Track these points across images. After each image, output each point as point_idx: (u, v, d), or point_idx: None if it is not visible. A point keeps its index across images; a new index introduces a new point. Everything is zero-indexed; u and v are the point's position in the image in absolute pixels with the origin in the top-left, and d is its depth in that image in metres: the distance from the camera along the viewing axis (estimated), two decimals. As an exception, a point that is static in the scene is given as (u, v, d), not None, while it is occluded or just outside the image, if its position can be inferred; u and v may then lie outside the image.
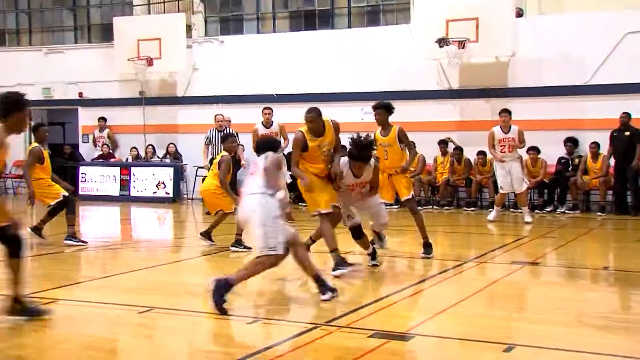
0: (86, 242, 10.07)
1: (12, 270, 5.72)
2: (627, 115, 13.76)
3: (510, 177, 12.62)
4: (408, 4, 16.34)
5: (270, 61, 17.23)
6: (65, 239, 9.91)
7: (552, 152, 14.60)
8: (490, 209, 13.33)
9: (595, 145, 14.19)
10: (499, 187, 13.00)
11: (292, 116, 16.09)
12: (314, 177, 7.56)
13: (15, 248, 5.71)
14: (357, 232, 7.80)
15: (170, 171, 17.23)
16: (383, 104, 8.69)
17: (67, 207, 10.01)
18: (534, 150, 14.36)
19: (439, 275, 7.89)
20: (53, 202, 9.92)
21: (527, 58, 15.14)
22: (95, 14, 20.28)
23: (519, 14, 15.39)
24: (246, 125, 14.81)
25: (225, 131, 14.24)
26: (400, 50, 15.96)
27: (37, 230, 10.14)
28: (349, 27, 17.52)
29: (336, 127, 7.61)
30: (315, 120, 7.51)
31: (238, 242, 9.36)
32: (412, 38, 15.56)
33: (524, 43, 15.10)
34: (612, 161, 14.01)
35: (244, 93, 17.18)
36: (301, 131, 7.57)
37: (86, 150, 19.15)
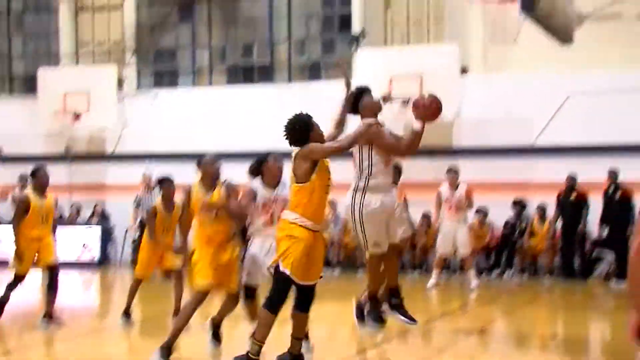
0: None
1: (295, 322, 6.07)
2: (572, 179, 14.17)
3: (454, 240, 12.78)
4: (350, 59, 16.67)
5: (207, 116, 17.27)
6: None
7: (501, 213, 14.89)
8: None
9: (542, 209, 14.59)
10: (436, 248, 13.16)
11: (229, 175, 16.10)
12: None
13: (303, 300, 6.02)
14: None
15: (97, 232, 16.96)
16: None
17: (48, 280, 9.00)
18: (481, 212, 14.67)
19: (381, 346, 7.89)
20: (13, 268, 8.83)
21: (472, 117, 15.54)
22: (18, 64, 20.11)
23: (464, 71, 15.82)
24: (181, 185, 14.71)
25: (153, 192, 14.02)
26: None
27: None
28: (290, 81, 17.81)
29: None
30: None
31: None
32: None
33: (469, 101, 15.51)
34: (559, 224, 14.41)
35: (179, 150, 17.08)
36: None
37: (6, 210, 18.66)
